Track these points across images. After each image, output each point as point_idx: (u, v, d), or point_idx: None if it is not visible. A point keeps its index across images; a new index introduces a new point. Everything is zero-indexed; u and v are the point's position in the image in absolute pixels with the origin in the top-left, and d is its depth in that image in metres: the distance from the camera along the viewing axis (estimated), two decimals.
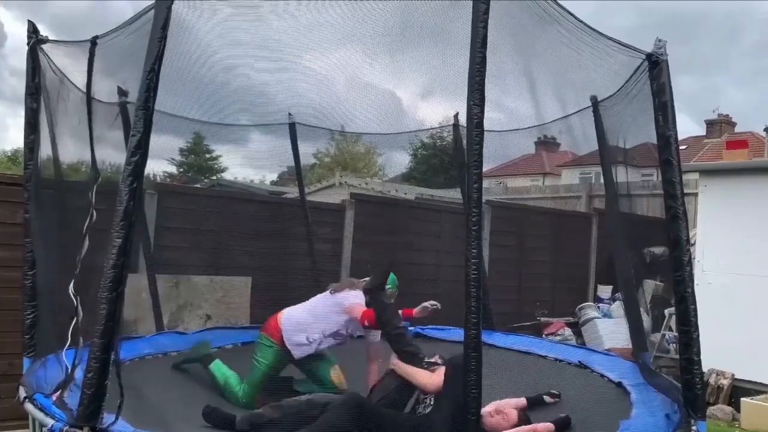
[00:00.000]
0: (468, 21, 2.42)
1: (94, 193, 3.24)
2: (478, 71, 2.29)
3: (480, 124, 2.32)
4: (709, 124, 26.00)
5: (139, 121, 2.34)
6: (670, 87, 2.98)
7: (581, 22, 2.86)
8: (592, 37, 2.97)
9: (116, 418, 2.37)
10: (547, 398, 3.77)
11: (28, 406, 2.79)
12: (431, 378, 3.32)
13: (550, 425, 3.33)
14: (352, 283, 4.20)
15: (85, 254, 3.10)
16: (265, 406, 3.35)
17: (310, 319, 3.96)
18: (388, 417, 3.18)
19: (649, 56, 3.05)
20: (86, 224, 3.11)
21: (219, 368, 4.07)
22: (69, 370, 2.88)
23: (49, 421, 2.51)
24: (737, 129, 24.84)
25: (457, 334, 4.95)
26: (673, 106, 2.97)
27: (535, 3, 2.71)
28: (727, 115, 26.02)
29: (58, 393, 2.78)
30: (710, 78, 77.36)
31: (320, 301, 4.11)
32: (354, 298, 3.97)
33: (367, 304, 3.81)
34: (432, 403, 3.30)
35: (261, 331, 4.07)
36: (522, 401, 3.64)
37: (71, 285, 3.01)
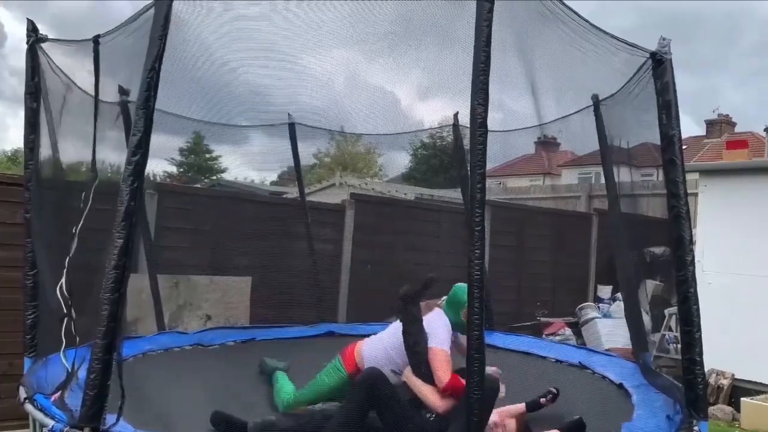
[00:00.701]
0: (469, 20, 2.42)
1: (91, 193, 3.23)
2: (482, 71, 2.29)
3: (484, 124, 2.31)
4: (709, 124, 26.01)
5: (139, 120, 2.33)
6: (674, 86, 2.98)
7: (585, 20, 2.85)
8: (596, 35, 2.97)
9: (118, 419, 2.36)
10: (542, 401, 3.60)
11: (29, 407, 2.78)
12: (440, 399, 3.20)
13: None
14: (428, 304, 3.75)
15: (81, 254, 3.10)
16: (279, 415, 3.32)
17: (392, 354, 3.58)
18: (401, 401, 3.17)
19: (653, 55, 3.05)
20: (78, 225, 3.10)
21: (281, 377, 3.98)
22: (69, 371, 2.87)
23: (50, 422, 2.50)
24: (737, 129, 24.86)
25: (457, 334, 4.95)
26: (676, 105, 2.96)
27: (539, 2, 2.71)
28: (727, 115, 26.04)
29: (59, 393, 2.77)
30: (709, 78, 77.50)
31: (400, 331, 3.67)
32: (435, 335, 3.42)
33: (399, 310, 3.48)
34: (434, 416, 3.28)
35: (338, 354, 3.75)
36: (521, 407, 3.59)
37: (59, 285, 3.00)
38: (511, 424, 3.32)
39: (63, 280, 3.02)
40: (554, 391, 3.61)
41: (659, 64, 3.04)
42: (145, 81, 2.36)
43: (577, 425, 3.26)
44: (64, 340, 2.98)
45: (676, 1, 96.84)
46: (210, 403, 3.44)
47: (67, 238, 3.19)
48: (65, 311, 2.97)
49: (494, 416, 3.24)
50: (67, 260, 3.06)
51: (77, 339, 2.95)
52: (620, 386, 3.97)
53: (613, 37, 3.03)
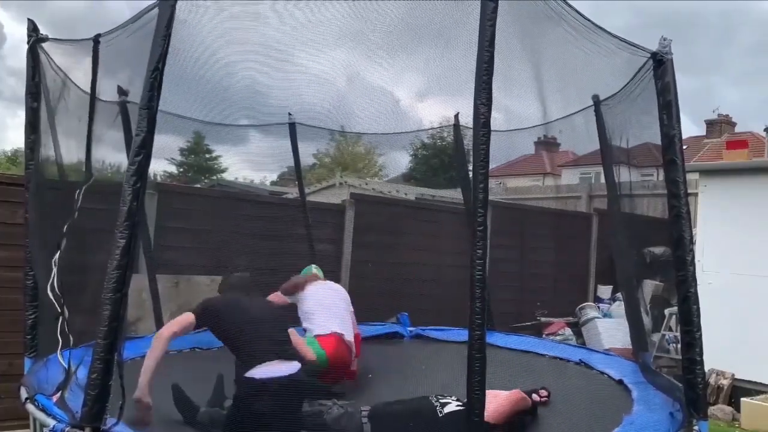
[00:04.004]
0: (470, 20, 2.42)
1: (81, 193, 3.23)
2: (485, 71, 2.29)
3: (487, 124, 2.31)
4: (709, 124, 26.01)
5: (142, 120, 2.33)
6: (675, 86, 2.99)
7: (588, 20, 2.85)
8: (597, 35, 2.97)
9: (118, 420, 2.36)
10: (535, 396, 3.71)
11: (30, 407, 2.77)
12: None
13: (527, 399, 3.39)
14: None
15: (76, 254, 3.10)
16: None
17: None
18: None
19: (653, 55, 3.05)
20: (67, 224, 3.11)
21: None
22: (68, 371, 2.87)
23: (51, 422, 2.50)
24: (736, 129, 24.88)
25: (457, 334, 4.96)
26: (677, 106, 2.97)
27: (543, 2, 2.71)
28: (727, 115, 26.05)
29: (60, 393, 2.77)
30: (706, 78, 77.58)
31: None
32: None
33: None
34: (450, 401, 3.29)
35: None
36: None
37: (49, 284, 3.00)
38: (501, 394, 3.36)
39: (53, 279, 3.01)
40: (545, 393, 3.76)
41: (660, 64, 3.04)
42: (148, 81, 2.36)
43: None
44: (60, 339, 2.98)
45: (671, 0, 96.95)
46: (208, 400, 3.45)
47: (61, 238, 3.19)
48: (59, 311, 2.97)
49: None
50: (53, 259, 3.05)
51: (71, 339, 2.95)
52: (620, 382, 3.98)
53: (614, 36, 3.03)
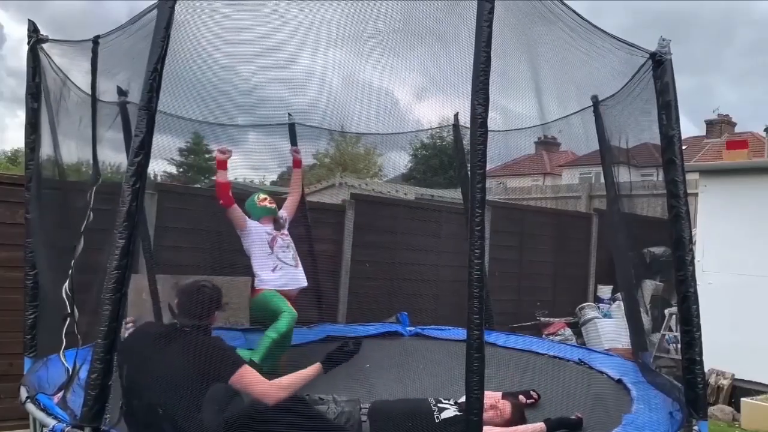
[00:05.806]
0: (470, 21, 2.42)
1: (93, 193, 3.23)
2: (482, 71, 2.29)
3: (484, 124, 2.32)
4: (709, 124, 26.02)
5: (141, 121, 2.33)
6: (674, 86, 2.99)
7: (586, 20, 2.86)
8: (596, 35, 2.97)
9: (118, 420, 2.37)
10: (521, 398, 3.72)
11: (30, 407, 2.78)
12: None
13: (542, 425, 3.33)
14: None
15: (82, 254, 3.11)
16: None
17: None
18: None
19: (653, 55, 3.05)
20: (83, 225, 3.11)
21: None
22: (70, 371, 2.88)
23: (51, 422, 2.50)
24: (736, 129, 24.89)
25: (457, 333, 4.97)
26: (676, 106, 2.97)
27: (540, 2, 2.71)
28: (727, 115, 26.06)
29: (60, 393, 2.77)
30: (705, 78, 77.55)
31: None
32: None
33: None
34: (453, 404, 3.29)
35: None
36: (497, 396, 3.61)
37: (65, 286, 3.01)
38: (507, 408, 3.35)
39: (68, 280, 3.02)
40: (534, 395, 3.80)
41: (659, 64, 3.05)
42: (147, 82, 2.36)
43: (570, 423, 3.32)
44: (64, 340, 2.98)
45: (668, 0, 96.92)
46: None
47: (69, 239, 3.19)
48: (68, 311, 2.98)
49: (489, 399, 3.25)
50: (73, 261, 3.06)
51: (79, 339, 2.96)
52: (619, 381, 3.98)
53: (613, 37, 3.03)
